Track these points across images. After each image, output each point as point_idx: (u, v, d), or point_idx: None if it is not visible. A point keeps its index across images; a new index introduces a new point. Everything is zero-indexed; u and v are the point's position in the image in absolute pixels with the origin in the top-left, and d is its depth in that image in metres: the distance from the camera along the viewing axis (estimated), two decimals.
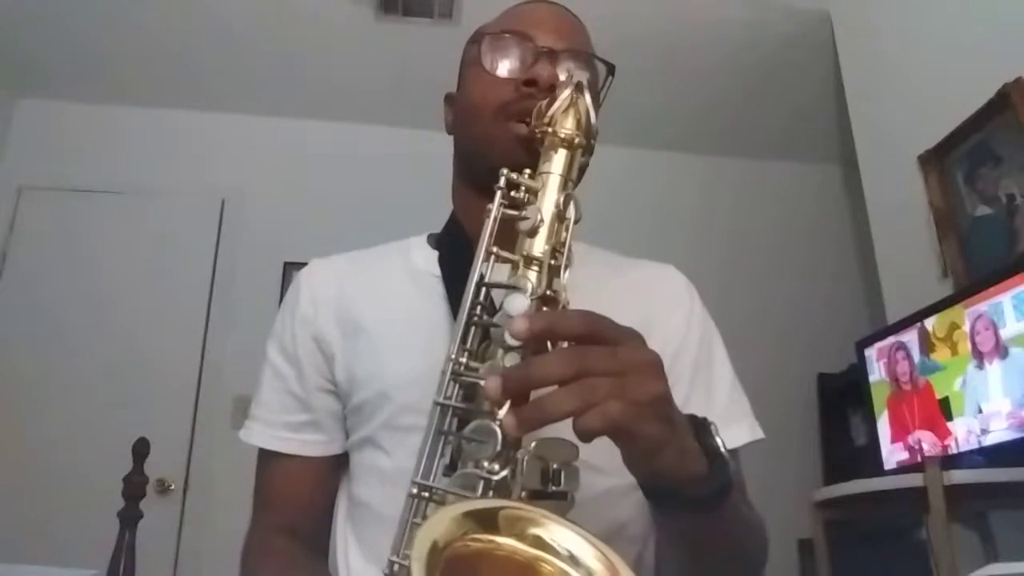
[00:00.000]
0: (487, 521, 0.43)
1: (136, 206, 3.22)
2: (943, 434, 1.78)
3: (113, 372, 2.96)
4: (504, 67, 0.74)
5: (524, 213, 0.58)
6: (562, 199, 0.59)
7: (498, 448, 0.48)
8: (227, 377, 2.98)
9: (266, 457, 0.77)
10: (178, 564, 2.80)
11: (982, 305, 1.71)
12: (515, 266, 0.57)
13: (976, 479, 1.57)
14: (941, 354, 1.83)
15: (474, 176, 0.76)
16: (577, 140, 0.62)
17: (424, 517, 0.52)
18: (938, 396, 1.81)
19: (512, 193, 0.60)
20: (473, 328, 0.56)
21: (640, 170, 3.45)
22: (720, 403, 0.77)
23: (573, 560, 0.44)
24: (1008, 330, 1.64)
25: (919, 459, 1.79)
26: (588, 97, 0.63)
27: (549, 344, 0.51)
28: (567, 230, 0.58)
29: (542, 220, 0.57)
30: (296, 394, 0.77)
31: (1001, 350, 1.65)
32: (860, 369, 2.12)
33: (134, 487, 1.37)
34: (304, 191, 3.32)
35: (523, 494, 0.48)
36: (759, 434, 0.77)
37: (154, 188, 3.26)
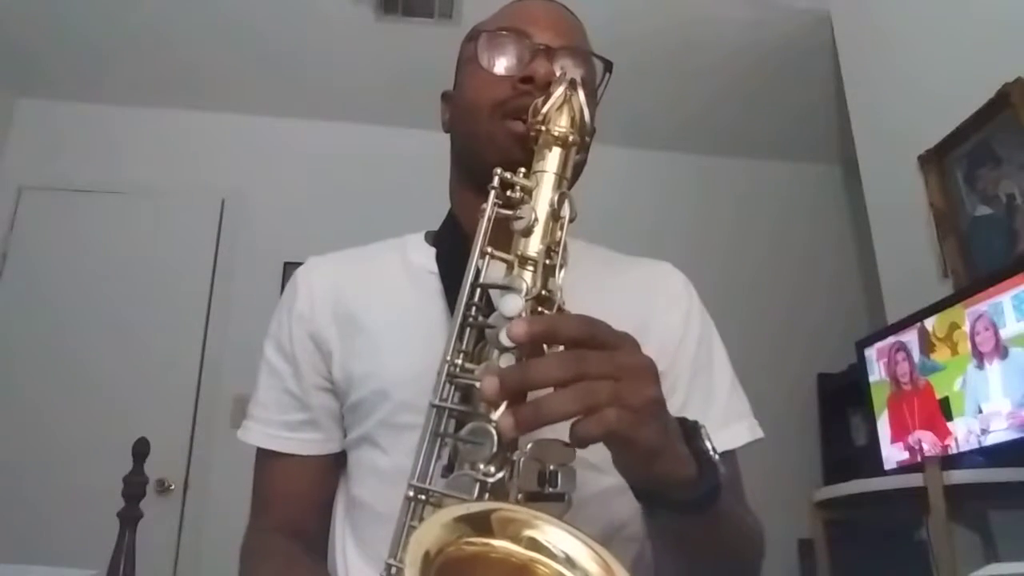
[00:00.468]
0: (481, 524, 0.43)
1: (136, 206, 3.22)
2: (943, 434, 1.78)
3: (113, 372, 2.96)
4: (501, 64, 0.74)
5: (518, 212, 0.57)
6: (556, 198, 0.58)
7: (494, 450, 0.48)
8: (227, 377, 2.98)
9: (264, 456, 0.77)
10: (178, 564, 2.80)
11: (982, 305, 1.71)
12: (510, 266, 0.56)
13: (976, 479, 1.57)
14: (941, 354, 1.82)
15: (471, 174, 0.76)
16: (571, 138, 0.62)
17: (421, 519, 0.52)
18: (938, 396, 1.81)
19: (506, 192, 0.60)
20: (468, 329, 0.56)
21: (640, 170, 3.45)
22: (720, 402, 0.77)
23: (569, 562, 0.44)
24: (1008, 330, 1.64)
25: (919, 459, 1.79)
26: (582, 94, 0.63)
27: (545, 346, 0.51)
28: (562, 229, 0.58)
29: (536, 219, 0.57)
30: (293, 393, 0.77)
31: (1001, 350, 1.65)
32: (860, 369, 2.12)
33: (134, 487, 1.36)
34: (304, 191, 3.33)
35: (519, 496, 0.48)
36: (759, 433, 0.77)
37: (154, 188, 3.26)
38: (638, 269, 0.85)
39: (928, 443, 1.82)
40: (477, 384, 0.52)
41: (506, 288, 0.54)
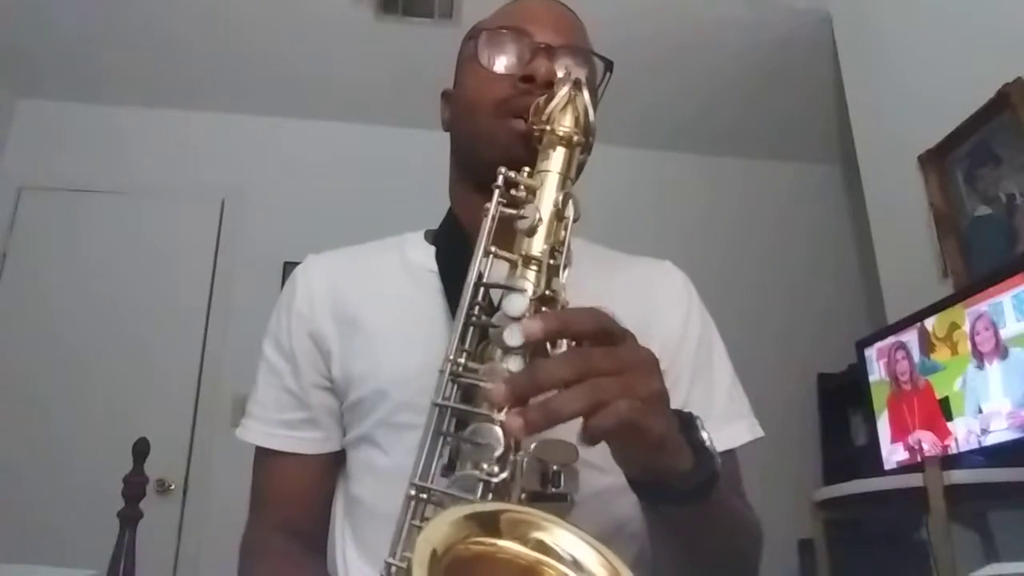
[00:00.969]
0: (489, 524, 0.43)
1: (136, 206, 3.22)
2: (943, 434, 1.78)
3: (113, 372, 2.96)
4: (501, 63, 0.74)
5: (522, 212, 0.57)
6: (561, 198, 0.58)
7: (501, 450, 0.48)
8: (227, 377, 2.98)
9: (263, 455, 0.77)
10: (178, 564, 2.80)
11: (982, 305, 1.71)
12: (513, 265, 0.56)
13: (976, 479, 1.57)
14: (941, 354, 1.82)
15: (471, 172, 0.76)
16: (576, 138, 0.61)
17: (423, 518, 0.52)
18: (938, 396, 1.81)
19: (510, 191, 0.60)
20: (471, 328, 0.56)
21: (640, 170, 3.45)
22: (720, 401, 0.77)
23: (576, 565, 0.44)
24: (1008, 330, 1.64)
25: (919, 459, 1.79)
26: (586, 94, 0.63)
27: (548, 345, 0.51)
28: (566, 229, 0.58)
29: (540, 219, 0.57)
30: (293, 391, 0.76)
31: (1001, 350, 1.65)
32: (860, 369, 2.12)
33: (134, 487, 1.37)
34: (304, 191, 3.32)
35: (523, 496, 0.48)
36: (758, 433, 0.77)
37: (154, 188, 3.26)
38: (639, 268, 0.85)
39: (928, 443, 1.82)
40: (480, 384, 0.51)
41: (510, 288, 0.53)
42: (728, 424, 0.75)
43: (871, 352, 2.07)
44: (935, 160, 2.15)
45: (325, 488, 0.77)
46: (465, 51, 0.80)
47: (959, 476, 1.56)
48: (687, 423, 0.55)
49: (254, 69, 3.14)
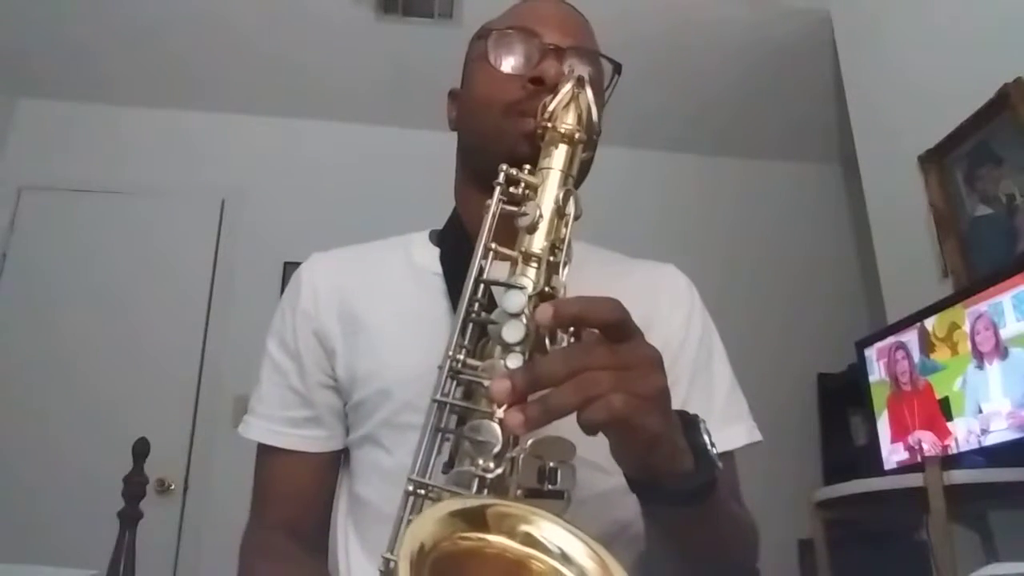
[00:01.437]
0: (476, 519, 0.43)
1: (136, 206, 3.22)
2: (943, 434, 1.78)
3: (113, 372, 2.96)
4: (510, 64, 0.74)
5: (523, 209, 0.57)
6: (562, 195, 0.58)
7: (499, 446, 0.48)
8: (227, 377, 2.97)
9: (265, 452, 0.77)
10: (178, 564, 2.80)
11: (982, 305, 1.71)
12: (514, 263, 0.56)
13: (976, 479, 1.57)
14: (941, 354, 1.82)
15: (477, 172, 0.76)
16: (578, 135, 0.61)
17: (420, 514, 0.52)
18: (938, 396, 1.81)
19: (511, 189, 0.60)
20: (471, 325, 0.56)
21: (640, 170, 3.45)
22: (718, 404, 0.77)
23: (564, 558, 0.44)
24: (1008, 330, 1.64)
25: (919, 459, 1.79)
26: (589, 92, 0.63)
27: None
28: (567, 226, 0.58)
29: (541, 216, 0.57)
30: (297, 389, 0.76)
31: (1001, 350, 1.65)
32: (860, 369, 2.12)
33: (134, 487, 1.37)
34: (304, 191, 3.33)
35: (519, 492, 0.48)
36: (756, 436, 0.77)
37: (154, 188, 3.26)
38: (642, 271, 0.85)
39: (928, 443, 1.82)
40: (479, 380, 0.52)
41: (509, 285, 0.53)
42: (726, 427, 0.75)
43: (871, 352, 2.07)
44: (935, 160, 2.15)
45: (327, 487, 0.77)
46: (474, 51, 0.80)
47: (959, 476, 1.56)
48: (690, 424, 0.55)
49: (254, 69, 3.14)
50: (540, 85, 0.69)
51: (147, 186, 3.26)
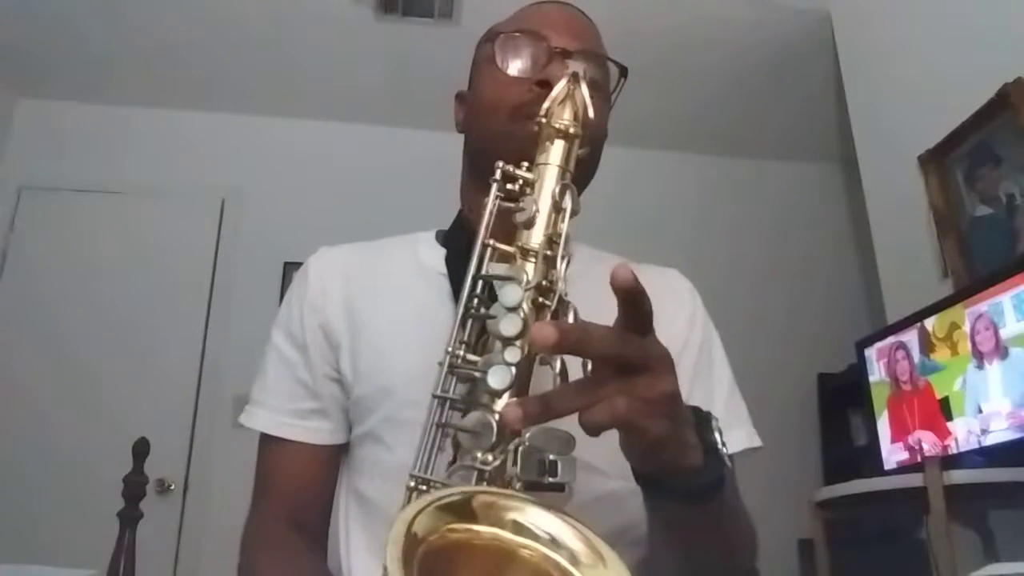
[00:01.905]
0: (462, 510, 0.43)
1: (136, 206, 3.22)
2: (943, 434, 1.78)
3: (113, 372, 2.96)
4: (517, 67, 0.74)
5: (520, 204, 0.58)
6: (559, 190, 0.59)
7: (493, 440, 0.48)
8: (227, 377, 2.97)
9: (269, 443, 0.77)
10: (178, 564, 2.80)
11: (982, 305, 1.71)
12: (512, 258, 0.57)
13: (976, 479, 1.57)
14: (941, 354, 1.82)
15: (483, 174, 0.76)
16: (573, 130, 0.61)
17: None
18: (938, 396, 1.81)
19: (509, 186, 0.60)
20: (471, 321, 0.56)
21: (640, 170, 3.45)
22: (718, 409, 0.76)
23: (554, 542, 0.44)
24: (1008, 330, 1.64)
25: (919, 459, 1.79)
26: (584, 88, 0.63)
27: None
28: (564, 220, 0.58)
29: (538, 211, 0.57)
30: (304, 381, 0.77)
31: (1001, 350, 1.65)
32: (860, 369, 2.12)
33: (134, 487, 1.37)
34: (304, 191, 3.33)
35: (519, 485, 0.48)
36: (756, 442, 0.77)
37: (154, 188, 3.26)
38: (645, 275, 0.84)
39: (928, 443, 1.82)
40: (478, 375, 0.52)
41: (506, 279, 0.54)
42: (725, 432, 0.75)
43: (871, 352, 2.07)
44: (935, 160, 2.15)
45: (330, 480, 0.77)
46: (481, 53, 0.81)
47: (959, 476, 1.56)
48: (703, 421, 0.55)
49: (254, 69, 3.14)
50: (547, 88, 0.69)
51: (147, 186, 3.26)
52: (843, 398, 3.00)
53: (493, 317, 0.52)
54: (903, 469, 1.86)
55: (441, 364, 0.55)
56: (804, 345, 3.29)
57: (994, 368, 1.66)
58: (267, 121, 3.40)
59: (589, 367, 0.49)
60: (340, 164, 3.38)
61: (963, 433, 1.72)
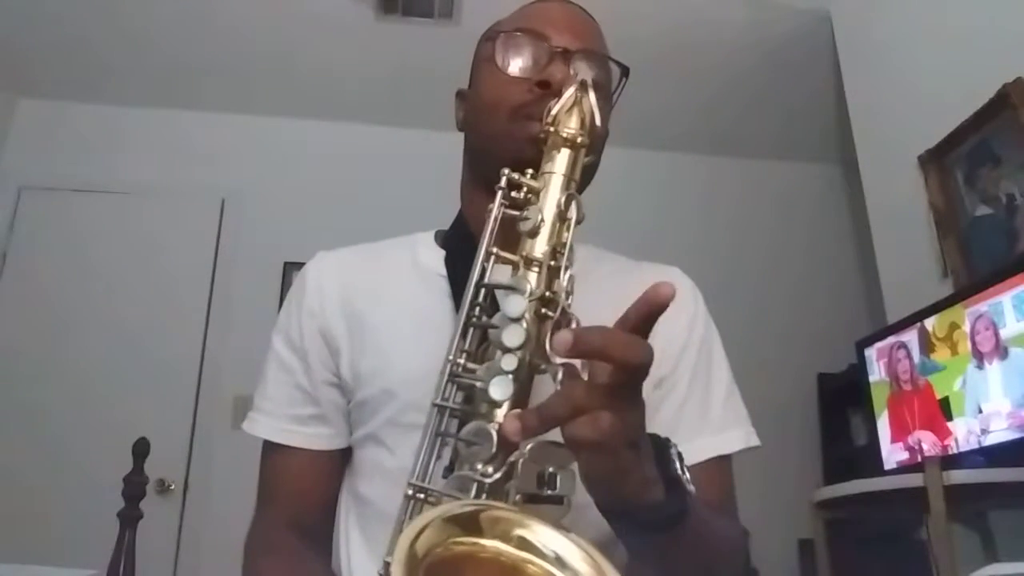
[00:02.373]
0: (470, 524, 0.43)
1: (136, 206, 3.22)
2: (943, 434, 1.78)
3: (113, 372, 2.96)
4: (517, 66, 0.74)
5: (525, 213, 0.57)
6: (564, 199, 0.58)
7: (493, 451, 0.48)
8: (227, 377, 2.97)
9: (271, 450, 0.77)
10: (178, 564, 2.80)
11: (982, 305, 1.71)
12: (515, 267, 0.56)
13: (976, 479, 1.57)
14: (941, 354, 1.82)
15: (483, 174, 0.76)
16: (580, 139, 0.61)
17: None
18: (938, 396, 1.81)
19: (514, 193, 0.60)
20: (472, 329, 0.56)
21: (640, 170, 3.44)
22: (716, 408, 0.77)
23: (559, 562, 0.44)
24: (1008, 330, 1.64)
25: (919, 459, 1.79)
26: (592, 96, 0.63)
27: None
28: (568, 230, 0.58)
29: (543, 220, 0.57)
30: (303, 387, 0.77)
31: (1001, 350, 1.65)
32: (860, 369, 2.12)
33: (134, 487, 1.37)
34: (304, 191, 3.32)
35: (518, 497, 0.48)
36: (754, 441, 0.77)
37: (154, 188, 3.26)
38: (647, 274, 0.85)
39: (928, 443, 1.82)
40: (479, 384, 0.52)
41: (510, 289, 0.53)
42: (723, 431, 0.75)
43: (871, 352, 2.08)
44: (935, 160, 2.15)
45: (332, 484, 0.78)
46: (482, 52, 0.80)
47: (959, 476, 1.56)
48: (661, 453, 0.55)
49: (254, 69, 3.14)
50: (547, 88, 0.69)
51: (147, 186, 3.26)
52: (843, 398, 3.00)
53: (495, 327, 0.52)
54: (903, 469, 1.86)
55: (442, 372, 0.55)
56: (804, 345, 3.29)
57: (994, 368, 1.66)
58: (267, 121, 3.39)
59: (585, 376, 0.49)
60: (340, 164, 3.38)
61: (963, 433, 1.72)
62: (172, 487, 2.87)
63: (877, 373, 2.04)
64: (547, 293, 0.55)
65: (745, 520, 0.78)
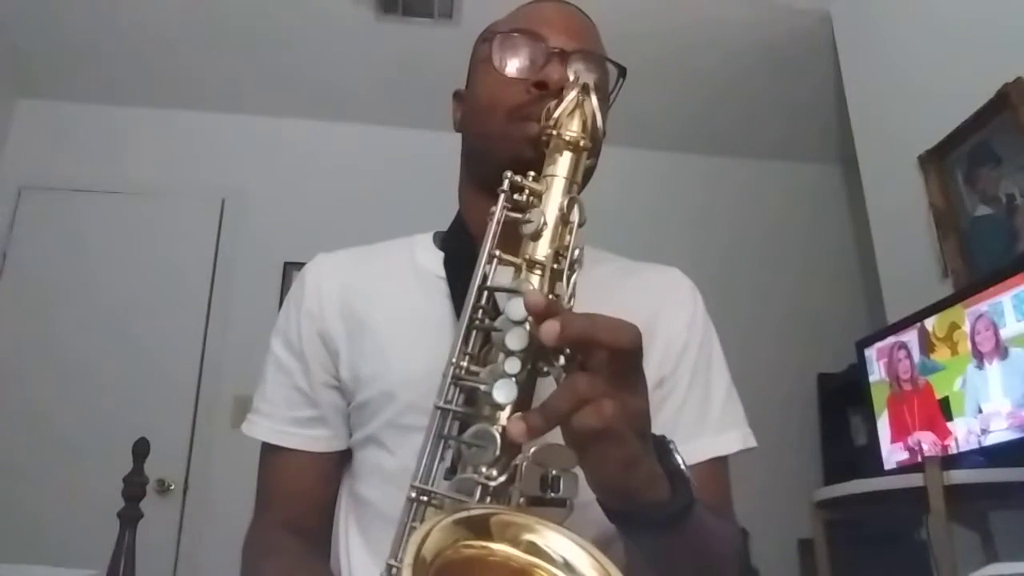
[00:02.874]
0: (480, 528, 0.43)
1: (136, 206, 3.22)
2: (943, 434, 1.78)
3: (113, 372, 2.96)
4: (514, 67, 0.74)
5: (528, 216, 0.57)
6: (566, 202, 0.58)
7: (497, 453, 0.48)
8: (227, 377, 2.97)
9: (270, 452, 0.77)
10: (178, 564, 2.80)
11: (982, 305, 1.72)
12: (518, 269, 0.56)
13: (976, 479, 1.57)
14: (941, 354, 1.83)
15: (481, 175, 0.76)
16: (583, 143, 0.61)
17: (423, 520, 0.52)
18: (938, 396, 1.82)
19: (516, 196, 0.60)
20: (474, 332, 0.56)
21: (640, 170, 3.45)
22: (715, 409, 0.77)
23: (568, 567, 0.44)
24: (1008, 330, 1.64)
25: (919, 459, 1.79)
26: (595, 99, 0.63)
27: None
28: (571, 233, 0.58)
29: (545, 223, 0.57)
30: (302, 389, 0.77)
31: (1001, 350, 1.65)
32: (860, 369, 2.12)
33: (134, 487, 1.36)
34: (304, 191, 3.33)
35: (522, 500, 0.48)
36: (751, 443, 0.77)
37: (154, 188, 3.26)
38: (647, 274, 0.85)
39: (928, 443, 1.83)
40: (482, 387, 0.52)
41: (513, 292, 0.53)
42: (722, 432, 0.75)
43: (871, 352, 2.08)
44: (935, 160, 2.15)
45: (331, 486, 0.78)
46: (479, 53, 0.80)
47: (959, 476, 1.56)
48: (662, 450, 0.55)
49: (254, 69, 3.14)
50: (544, 89, 0.69)
51: (147, 186, 3.26)
52: (843, 398, 3.00)
53: (498, 329, 0.52)
54: (903, 469, 1.86)
55: (445, 375, 0.55)
56: (804, 345, 3.30)
57: (994, 368, 1.66)
58: (267, 121, 3.39)
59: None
60: (340, 164, 3.38)
61: (963, 433, 1.72)
62: (172, 487, 2.87)
63: (877, 373, 2.04)
64: (550, 296, 0.54)
65: (745, 520, 0.78)
